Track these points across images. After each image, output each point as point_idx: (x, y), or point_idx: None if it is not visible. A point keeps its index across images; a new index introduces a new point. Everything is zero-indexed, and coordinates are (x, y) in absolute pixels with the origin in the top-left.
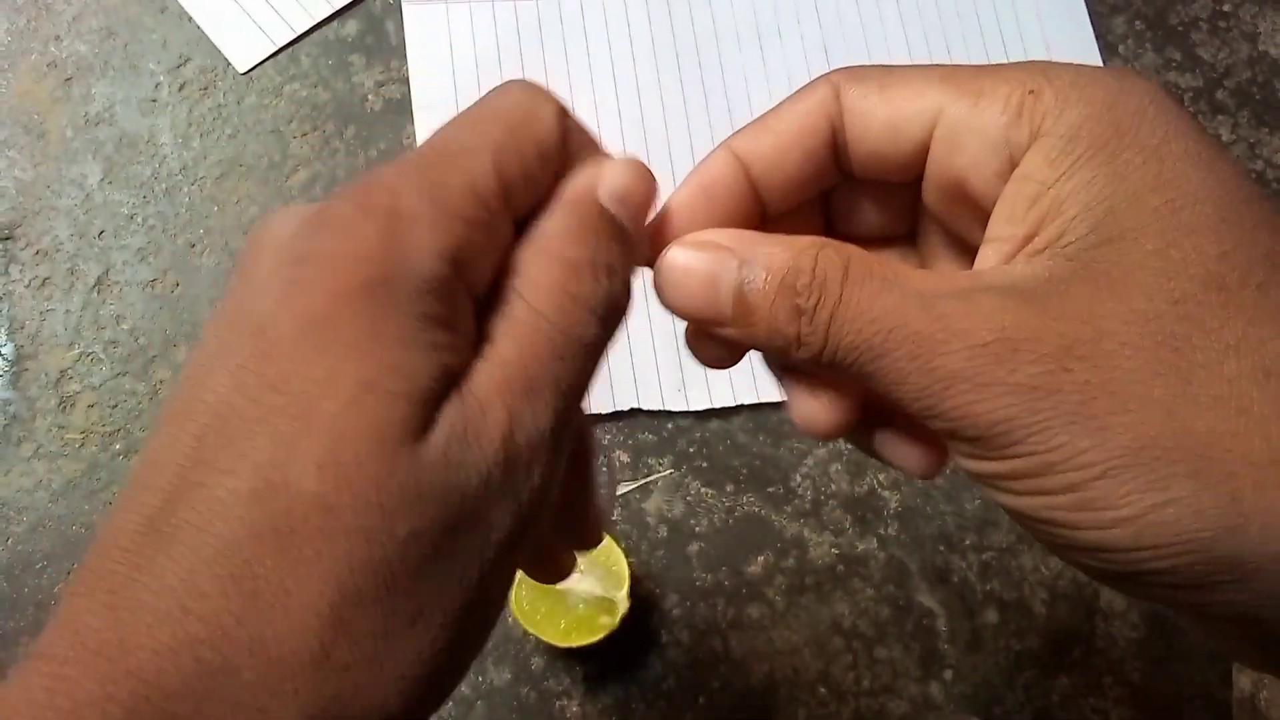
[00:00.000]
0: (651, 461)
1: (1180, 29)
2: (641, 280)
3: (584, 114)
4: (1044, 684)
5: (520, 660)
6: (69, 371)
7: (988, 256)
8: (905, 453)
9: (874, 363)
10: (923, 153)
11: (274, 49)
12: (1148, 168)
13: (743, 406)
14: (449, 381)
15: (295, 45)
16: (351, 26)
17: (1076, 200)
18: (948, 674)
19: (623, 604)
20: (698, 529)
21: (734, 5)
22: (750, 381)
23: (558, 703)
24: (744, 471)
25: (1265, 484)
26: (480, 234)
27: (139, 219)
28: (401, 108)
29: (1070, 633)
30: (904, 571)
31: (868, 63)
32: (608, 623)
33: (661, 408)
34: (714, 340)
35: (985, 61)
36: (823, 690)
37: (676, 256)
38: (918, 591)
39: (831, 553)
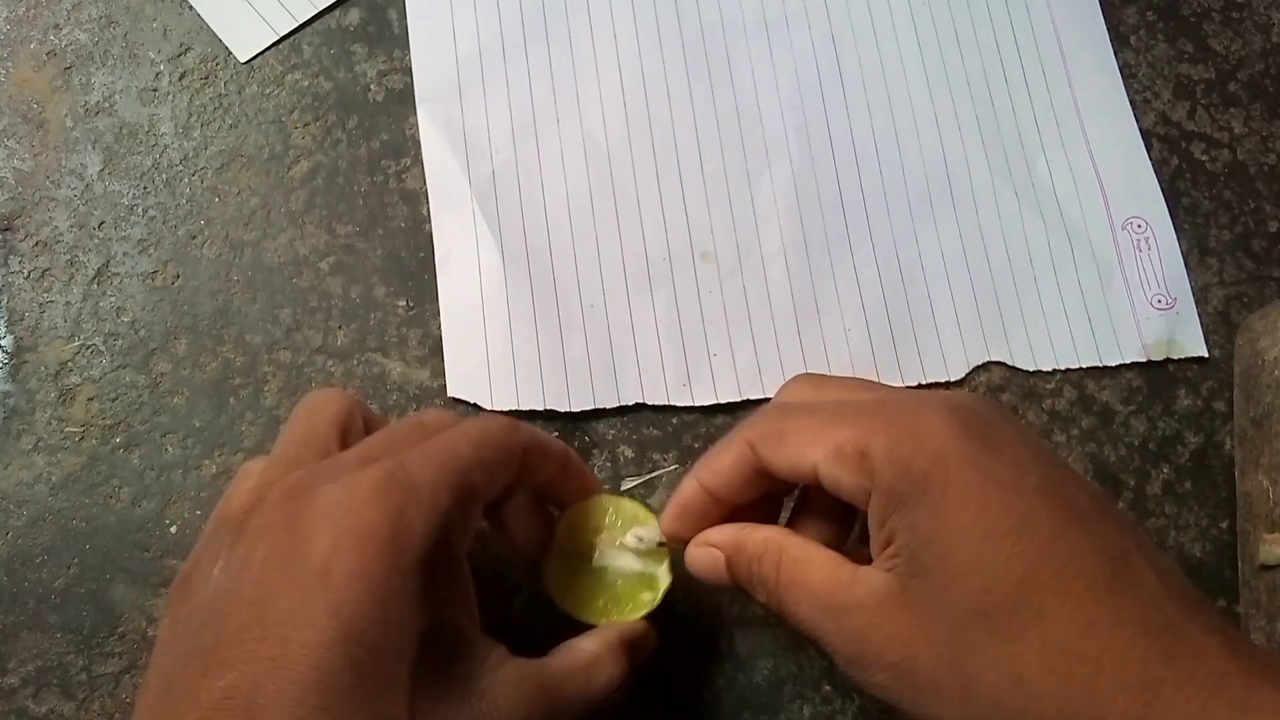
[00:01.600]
0: (656, 457)
1: (1193, 20)
2: (649, 288)
3: (589, 104)
4: None
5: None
6: (69, 364)
7: (872, 546)
8: None
9: (805, 630)
10: (818, 485)
11: (275, 38)
12: (930, 523)
13: (748, 402)
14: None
15: (297, 34)
16: (354, 15)
17: (901, 536)
18: None
19: (664, 578)
20: (605, 405)
21: (743, 1)
22: (755, 376)
23: None
24: None
25: None
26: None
27: (139, 210)
28: (404, 98)
29: None
30: None
31: (873, 54)
32: (649, 598)
33: (666, 402)
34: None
35: (994, 53)
36: (827, 687)
37: (692, 551)
38: None
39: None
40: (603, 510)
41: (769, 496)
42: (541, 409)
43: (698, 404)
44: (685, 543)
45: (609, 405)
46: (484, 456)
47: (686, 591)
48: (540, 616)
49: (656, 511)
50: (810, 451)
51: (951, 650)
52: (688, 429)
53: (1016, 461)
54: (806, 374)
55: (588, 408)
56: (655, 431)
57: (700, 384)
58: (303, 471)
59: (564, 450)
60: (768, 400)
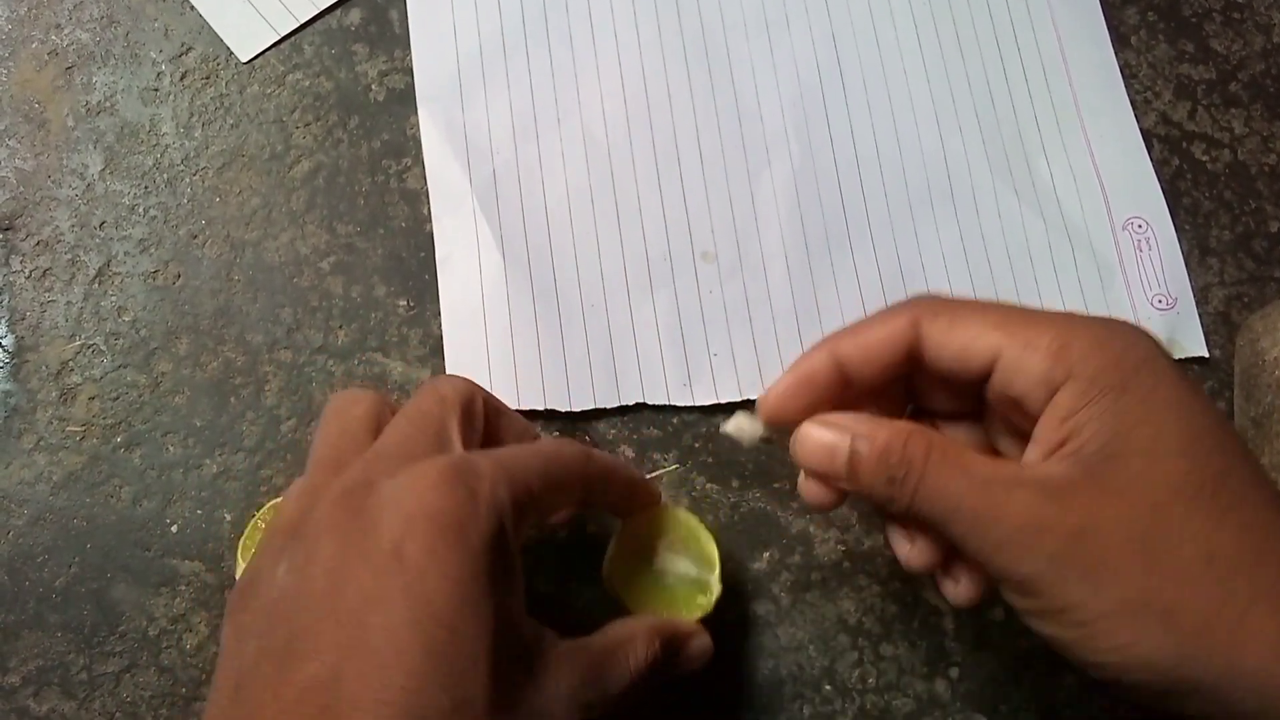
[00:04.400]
0: (656, 457)
1: (1193, 20)
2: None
3: (590, 104)
4: (1051, 682)
5: None
6: (70, 363)
7: (1032, 451)
8: (956, 591)
9: (945, 525)
10: (984, 376)
11: (276, 38)
12: (1143, 409)
13: (749, 402)
14: None
15: (298, 34)
16: (355, 15)
17: (1091, 426)
18: (954, 671)
19: (716, 586)
20: (604, 405)
21: (743, 1)
22: (756, 375)
23: None
24: (749, 467)
25: (1205, 631)
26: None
27: (140, 209)
28: (405, 97)
29: None
30: None
31: (873, 52)
32: (704, 603)
33: (667, 402)
34: (825, 488)
35: (995, 53)
36: (828, 687)
37: (810, 429)
38: (925, 588)
39: (838, 549)
40: (663, 519)
41: (888, 401)
42: (542, 409)
43: (698, 404)
44: (786, 428)
45: (609, 405)
46: (549, 472)
47: None
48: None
49: (707, 529)
50: (994, 337)
51: (1143, 527)
52: (688, 428)
53: (1200, 387)
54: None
55: (588, 407)
56: (655, 431)
57: (701, 383)
58: (355, 470)
59: (631, 475)
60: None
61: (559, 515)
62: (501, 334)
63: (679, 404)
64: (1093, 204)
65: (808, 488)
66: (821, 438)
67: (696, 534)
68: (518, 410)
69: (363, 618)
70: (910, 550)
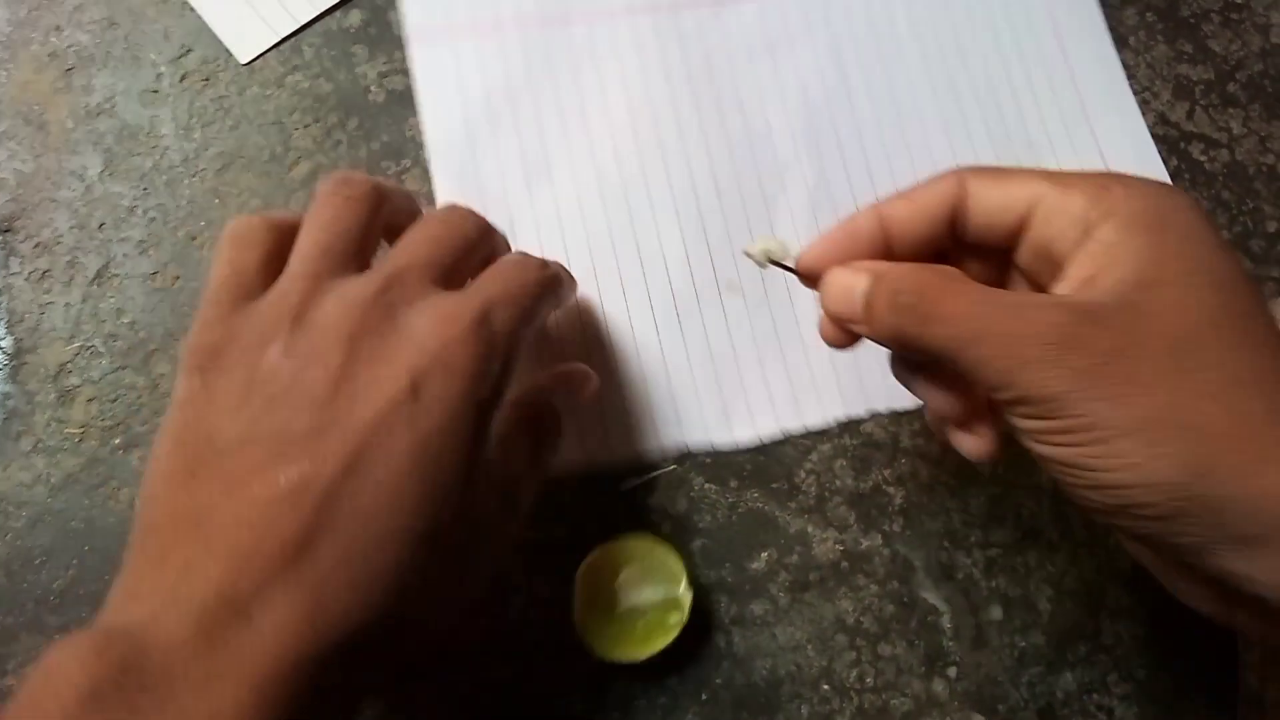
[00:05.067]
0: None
1: (1191, 21)
2: (678, 325)
3: (601, 142)
4: (1048, 681)
5: (523, 657)
6: (68, 365)
7: (1060, 287)
8: (974, 445)
9: (963, 350)
10: (1022, 223)
11: (276, 39)
12: (1179, 245)
13: (789, 438)
14: None
15: (298, 36)
16: (354, 17)
17: (1130, 257)
18: (952, 671)
19: (686, 596)
20: (700, 525)
21: (741, 18)
22: (793, 408)
23: (560, 699)
24: (747, 467)
25: (1225, 450)
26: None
27: (139, 211)
28: (404, 99)
29: (1076, 630)
30: (908, 568)
31: (878, 67)
32: (678, 620)
33: (709, 444)
34: (843, 331)
35: (998, 59)
36: (826, 687)
37: (833, 273)
38: (922, 588)
39: (835, 549)
40: (617, 554)
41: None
42: (583, 461)
43: (740, 444)
44: (816, 279)
45: (651, 455)
46: (540, 312)
47: None
48: (537, 620)
49: (659, 539)
50: (1036, 183)
51: (1176, 349)
52: None
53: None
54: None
55: (629, 457)
56: None
57: (740, 421)
58: (373, 285)
59: (571, 279)
60: (806, 432)
61: None
62: None
63: (721, 445)
64: None
65: (825, 327)
66: (843, 279)
67: (653, 553)
68: (559, 460)
69: (367, 438)
70: (933, 392)
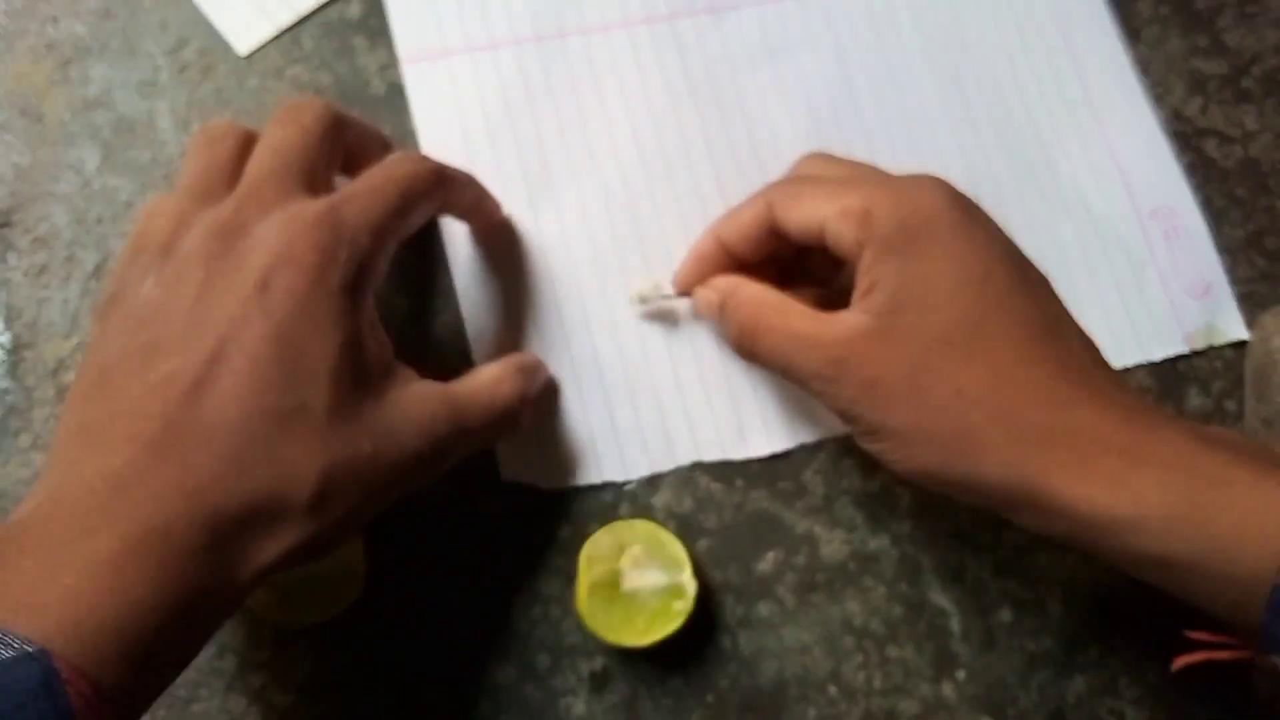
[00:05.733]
0: None
1: (1206, 14)
2: (695, 352)
3: (604, 157)
4: (1059, 684)
5: (525, 657)
6: (66, 361)
7: (853, 296)
8: None
9: (784, 373)
10: (821, 240)
11: (275, 31)
12: (918, 267)
13: (804, 446)
14: None
15: (297, 27)
16: (355, 8)
17: (883, 281)
18: (960, 674)
19: (690, 584)
20: (706, 525)
21: (740, 24)
22: (810, 418)
23: (563, 700)
24: (753, 467)
25: (954, 449)
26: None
27: (137, 205)
28: (405, 92)
29: (1086, 632)
30: (917, 569)
31: (882, 69)
32: (682, 607)
33: (723, 457)
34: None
35: (1002, 55)
36: (833, 689)
37: (698, 292)
38: (931, 590)
39: (843, 550)
40: (621, 535)
41: (772, 263)
42: (599, 482)
43: (755, 455)
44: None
45: (666, 469)
46: (406, 200)
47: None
48: (539, 619)
49: (662, 525)
50: (822, 208)
51: (913, 368)
52: None
53: (989, 232)
54: (819, 152)
55: (643, 475)
56: None
57: (754, 433)
58: (228, 208)
59: (478, 186)
60: (822, 441)
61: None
62: (545, 419)
63: (736, 458)
64: (1116, 197)
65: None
66: (702, 295)
67: (657, 538)
68: (574, 486)
69: (224, 331)
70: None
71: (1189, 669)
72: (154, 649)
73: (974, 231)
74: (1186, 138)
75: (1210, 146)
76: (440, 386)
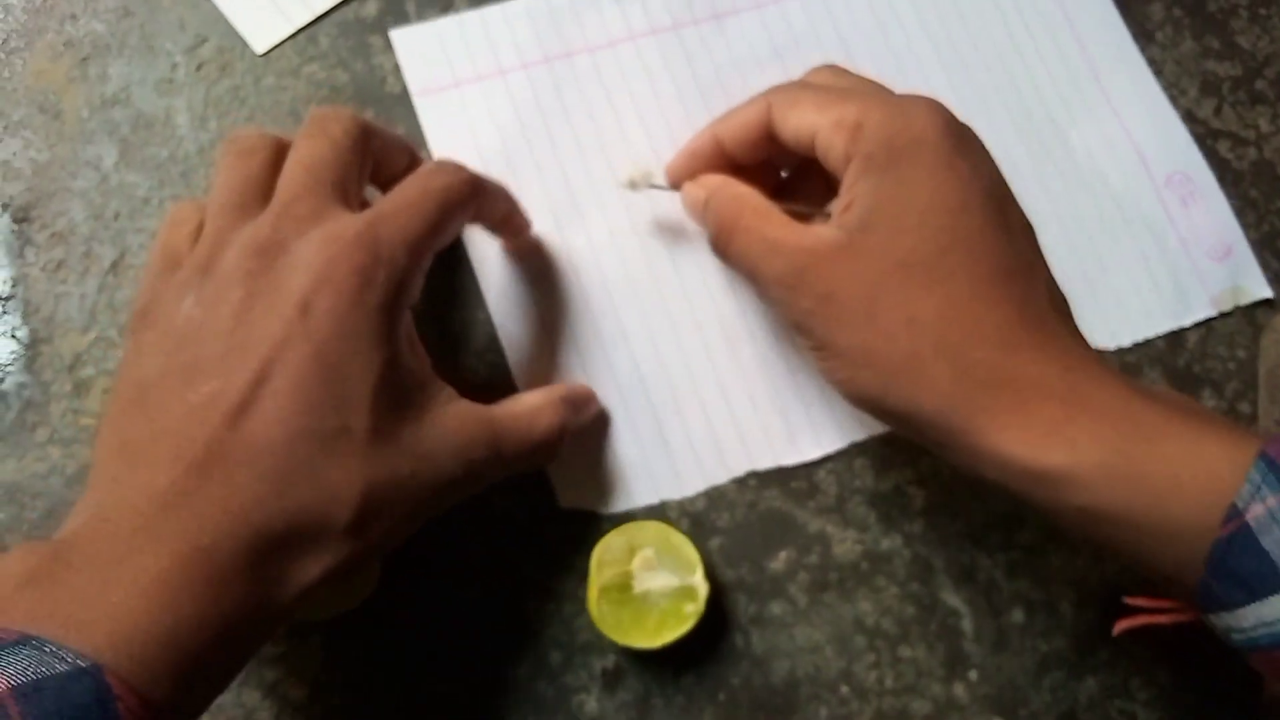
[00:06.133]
0: None
1: (1219, 16)
2: (740, 362)
3: (620, 166)
4: (1071, 685)
5: (537, 655)
6: (84, 356)
7: (833, 209)
8: None
9: (749, 277)
10: (813, 150)
11: (292, 29)
12: (894, 187)
13: (856, 444)
14: None
15: (314, 26)
16: (371, 7)
17: (861, 197)
18: (972, 674)
19: (702, 586)
20: (719, 524)
21: (744, 27)
22: (856, 419)
23: (575, 698)
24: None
25: (897, 376)
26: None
27: (155, 201)
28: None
29: (1098, 633)
30: (929, 569)
31: (889, 59)
32: (694, 609)
33: (775, 464)
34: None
35: (1005, 36)
36: (845, 689)
37: (686, 187)
38: (943, 590)
39: (855, 549)
40: (633, 536)
41: (765, 169)
42: (657, 502)
43: (807, 459)
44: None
45: (721, 481)
46: (444, 213)
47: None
48: (552, 617)
49: (674, 526)
50: (816, 118)
51: (870, 289)
52: None
53: (976, 166)
54: (831, 64)
55: (700, 489)
56: None
57: (803, 437)
58: (266, 225)
59: (510, 198)
60: (868, 439)
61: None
62: (598, 442)
63: (788, 464)
64: (1131, 169)
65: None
66: (690, 190)
67: (669, 539)
68: (631, 510)
69: (266, 353)
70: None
71: (1198, 669)
72: (199, 665)
73: (959, 161)
74: (1200, 139)
75: (1224, 148)
76: (480, 409)
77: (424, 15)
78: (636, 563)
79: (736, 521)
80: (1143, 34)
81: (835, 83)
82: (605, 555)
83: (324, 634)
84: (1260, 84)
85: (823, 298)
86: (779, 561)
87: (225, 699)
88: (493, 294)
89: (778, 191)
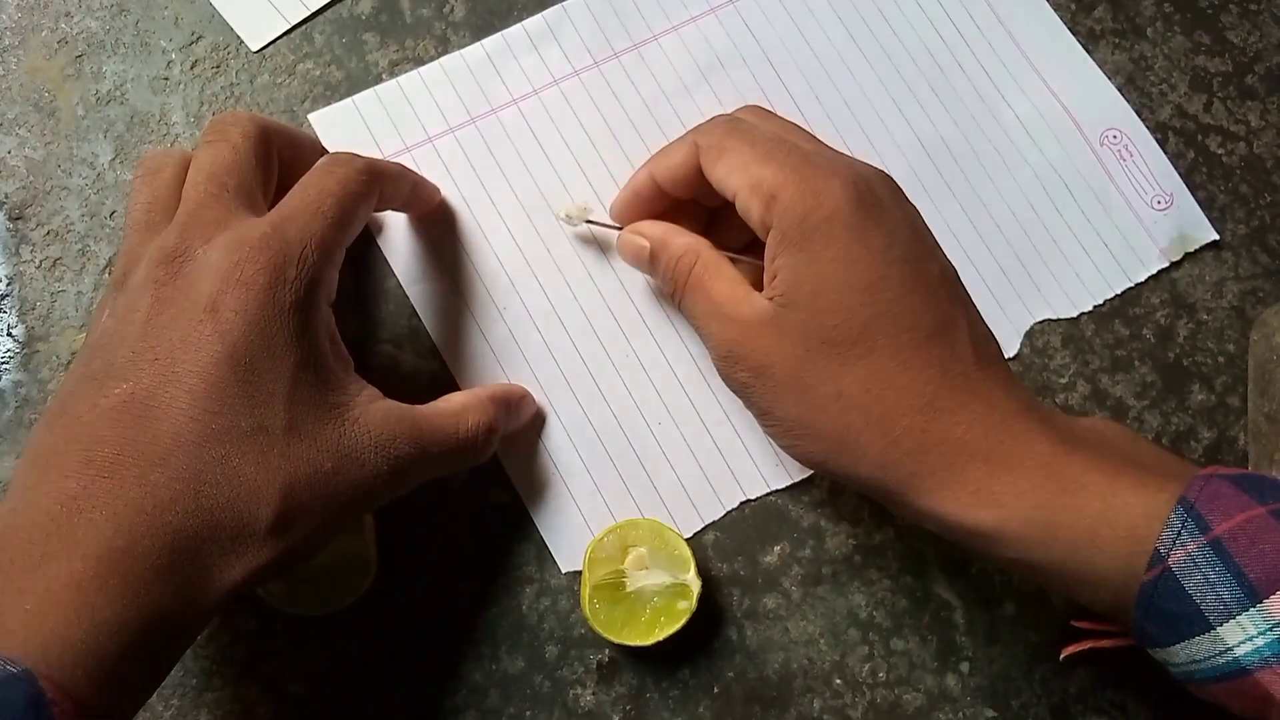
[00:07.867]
0: None
1: (1210, 11)
2: (719, 402)
3: (571, 210)
4: (1062, 677)
5: (534, 648)
6: None
7: (765, 275)
8: None
9: (697, 332)
10: (734, 203)
11: (287, 27)
12: (809, 267)
13: None
14: None
15: (309, 23)
16: (365, 4)
17: (781, 274)
18: (965, 666)
19: (694, 583)
20: (713, 519)
21: (665, 52)
22: None
23: (571, 691)
24: None
25: (833, 447)
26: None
27: None
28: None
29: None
30: (922, 562)
31: (814, 64)
32: (686, 606)
33: (767, 490)
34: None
35: (924, 19)
36: (838, 681)
37: (625, 235)
38: (936, 583)
39: (849, 543)
40: (626, 534)
41: (702, 200)
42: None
43: (794, 481)
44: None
45: (716, 517)
46: (346, 208)
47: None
48: (547, 612)
49: (670, 528)
50: (736, 178)
51: (799, 365)
52: None
53: (890, 234)
54: (756, 105)
55: (698, 528)
56: None
57: (788, 460)
58: (171, 237)
59: (412, 176)
60: None
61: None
62: (589, 498)
63: (779, 487)
64: (1066, 133)
65: (624, 254)
66: (630, 242)
67: (662, 535)
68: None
69: (177, 355)
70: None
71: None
72: (123, 668)
73: (871, 234)
74: (1190, 135)
75: (1214, 143)
76: (404, 408)
77: (415, 12)
78: (629, 561)
79: (730, 516)
80: (1134, 30)
81: (758, 129)
82: (598, 554)
83: (321, 628)
84: (1250, 79)
85: (756, 371)
86: (772, 555)
87: (224, 693)
88: (425, 311)
89: (713, 216)
